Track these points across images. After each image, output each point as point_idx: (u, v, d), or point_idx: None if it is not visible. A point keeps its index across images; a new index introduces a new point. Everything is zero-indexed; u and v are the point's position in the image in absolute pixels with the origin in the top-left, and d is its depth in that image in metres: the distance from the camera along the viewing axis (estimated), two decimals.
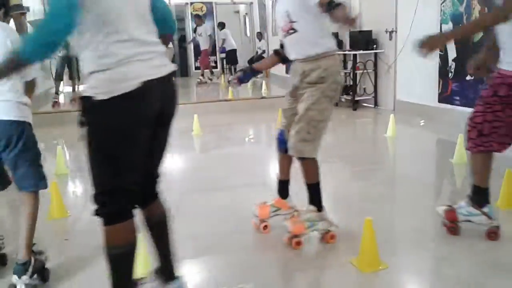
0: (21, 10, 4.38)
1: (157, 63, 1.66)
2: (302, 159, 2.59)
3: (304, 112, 2.46)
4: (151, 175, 1.87)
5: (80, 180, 4.30)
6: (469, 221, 2.57)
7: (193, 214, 3.22)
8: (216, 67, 14.52)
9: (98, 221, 1.68)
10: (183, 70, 14.39)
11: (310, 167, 2.65)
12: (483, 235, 2.56)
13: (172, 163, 5.01)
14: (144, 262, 2.20)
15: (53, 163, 4.35)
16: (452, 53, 5.67)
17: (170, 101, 1.77)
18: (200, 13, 13.91)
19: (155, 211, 1.91)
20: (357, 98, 7.40)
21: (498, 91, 2.36)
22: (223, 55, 14.92)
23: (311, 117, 2.45)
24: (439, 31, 5.77)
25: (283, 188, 2.90)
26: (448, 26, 5.66)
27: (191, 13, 14.29)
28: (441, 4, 5.78)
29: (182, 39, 14.63)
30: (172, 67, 1.74)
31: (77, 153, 5.48)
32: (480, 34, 5.14)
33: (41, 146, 2.48)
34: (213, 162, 4.97)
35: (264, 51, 13.01)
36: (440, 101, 5.92)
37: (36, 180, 2.25)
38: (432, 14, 5.86)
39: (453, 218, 2.60)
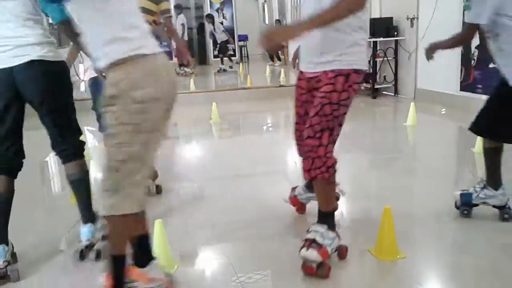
0: None
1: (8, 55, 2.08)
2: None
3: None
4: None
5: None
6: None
7: (212, 201, 3.26)
8: (234, 55, 14.48)
9: None
10: (202, 59, 14.39)
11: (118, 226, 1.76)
12: (497, 221, 2.56)
13: (191, 151, 5.05)
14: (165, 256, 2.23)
15: None
16: (475, 40, 5.54)
17: (27, 87, 2.14)
18: (219, 1, 13.84)
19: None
20: (377, 86, 7.32)
21: None
22: (241, 43, 14.88)
23: (109, 155, 1.70)
24: (462, 18, 5.66)
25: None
26: None
27: (210, 1, 14.23)
28: None
29: (201, 27, 14.59)
30: (26, 58, 2.10)
31: (99, 141, 5.56)
32: None
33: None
34: (231, 150, 4.99)
35: None
36: (462, 89, 5.82)
37: None
38: (455, 0, 5.74)
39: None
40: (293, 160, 4.48)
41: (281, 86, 8.17)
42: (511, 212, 2.64)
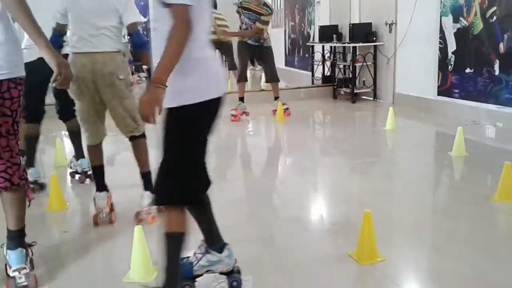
0: None
1: None
2: None
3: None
4: None
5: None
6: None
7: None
8: None
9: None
10: None
11: None
12: (478, 226, 2.58)
13: None
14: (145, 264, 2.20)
15: (52, 155, 4.36)
16: (451, 45, 5.66)
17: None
18: None
19: None
20: (356, 91, 7.39)
21: None
22: None
23: None
24: (439, 23, 5.76)
25: None
26: (448, 19, 5.64)
27: None
28: None
29: None
30: None
31: None
32: (480, 26, 5.14)
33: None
34: (210, 154, 4.97)
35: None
36: (439, 94, 5.91)
37: None
38: (432, 6, 5.84)
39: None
40: (272, 164, 4.49)
41: (262, 90, 8.18)
42: (240, 278, 2.06)
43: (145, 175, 2.87)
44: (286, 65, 11.21)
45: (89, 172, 3.65)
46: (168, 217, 1.81)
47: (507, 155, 4.10)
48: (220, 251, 2.02)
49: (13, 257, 2.11)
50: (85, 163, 3.73)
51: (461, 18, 5.43)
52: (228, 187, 3.65)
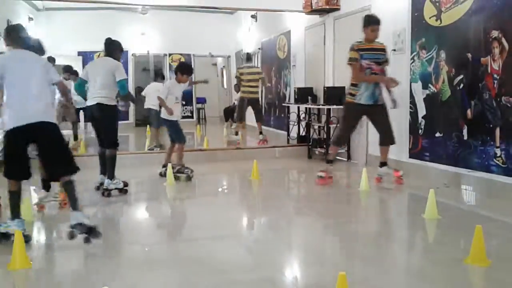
0: None
1: None
2: None
3: None
4: None
5: (46, 229, 4.14)
6: None
7: (162, 266, 3.12)
8: (192, 116, 14.67)
9: (60, 273, 1.60)
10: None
11: None
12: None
13: (143, 212, 4.91)
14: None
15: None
16: (421, 110, 5.87)
17: None
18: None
19: None
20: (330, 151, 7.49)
21: None
22: (200, 105, 15.10)
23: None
24: (409, 89, 6.00)
25: None
26: (417, 85, 5.89)
27: (170, 64, 14.52)
28: (410, 64, 6.04)
29: None
30: None
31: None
32: (448, 93, 5.37)
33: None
34: (185, 212, 4.88)
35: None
36: (411, 156, 6.05)
37: None
38: (402, 73, 6.11)
39: None
40: (246, 223, 4.43)
41: (237, 148, 8.23)
42: None
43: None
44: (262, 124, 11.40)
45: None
46: None
47: (478, 218, 4.16)
48: None
49: None
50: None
51: (429, 85, 5.68)
52: (199, 245, 3.56)
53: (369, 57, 5.27)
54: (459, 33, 5.24)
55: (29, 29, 11.45)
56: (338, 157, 7.67)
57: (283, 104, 9.68)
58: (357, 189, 5.35)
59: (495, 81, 4.76)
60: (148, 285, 2.82)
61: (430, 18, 5.63)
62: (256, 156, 6.41)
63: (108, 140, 5.14)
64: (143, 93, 8.73)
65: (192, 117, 14.68)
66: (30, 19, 11.67)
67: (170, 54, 14.59)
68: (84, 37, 12.64)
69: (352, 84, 5.42)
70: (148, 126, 9.40)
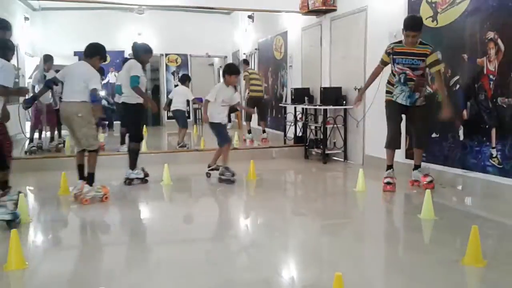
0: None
1: None
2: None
3: None
4: None
5: (42, 230, 4.13)
6: None
7: (161, 266, 3.12)
8: (189, 117, 14.63)
9: (56, 273, 1.60)
10: (156, 120, 14.41)
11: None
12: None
13: (139, 213, 4.90)
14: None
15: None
16: None
17: None
18: (175, 64, 14.22)
19: None
20: (327, 152, 7.51)
21: None
22: (196, 105, 15.07)
23: None
24: None
25: None
26: None
27: (166, 64, 14.50)
28: None
29: (156, 89, 14.77)
30: None
31: (40, 202, 5.31)
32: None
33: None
34: (181, 213, 4.88)
35: (238, 103, 13.19)
36: (407, 156, 6.06)
37: None
38: None
39: None
40: (243, 224, 4.43)
41: (234, 149, 8.22)
42: None
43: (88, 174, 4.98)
44: (259, 124, 11.38)
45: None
46: None
47: (474, 219, 4.18)
48: None
49: None
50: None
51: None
52: (196, 248, 3.56)
53: (402, 61, 5.04)
54: (455, 34, 5.26)
55: (25, 28, 11.48)
56: (334, 157, 7.69)
57: (280, 105, 9.69)
58: (353, 190, 5.35)
59: (491, 82, 4.78)
60: (145, 286, 2.81)
61: (426, 19, 5.64)
62: (253, 157, 6.41)
63: (130, 134, 5.91)
64: (170, 96, 9.24)
65: (188, 117, 14.63)
66: (26, 18, 11.64)
67: (166, 54, 14.57)
68: (80, 37, 12.54)
69: (389, 82, 5.26)
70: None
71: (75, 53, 13.12)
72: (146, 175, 5.86)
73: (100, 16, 12.63)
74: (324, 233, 4.06)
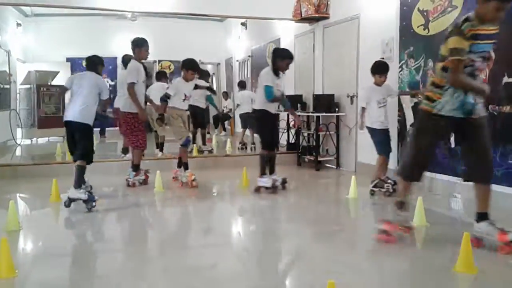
0: None
1: None
2: None
3: None
4: None
5: (32, 238, 4.09)
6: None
7: (155, 273, 3.10)
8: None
9: (46, 281, 1.58)
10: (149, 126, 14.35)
11: None
12: None
13: (131, 220, 4.86)
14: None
15: (4, 218, 4.14)
16: (409, 118, 5.92)
17: None
18: (168, 71, 14.20)
19: None
20: (320, 159, 7.52)
21: None
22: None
23: None
24: (397, 97, 6.05)
25: None
26: None
27: (159, 71, 14.48)
28: (398, 72, 6.09)
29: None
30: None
31: (31, 209, 5.26)
32: None
33: None
34: (174, 220, 4.85)
35: (230, 110, 13.23)
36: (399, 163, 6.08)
37: None
38: (391, 82, 6.15)
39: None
40: (236, 231, 4.41)
41: (226, 155, 8.21)
42: None
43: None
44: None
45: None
46: None
47: (466, 226, 4.19)
48: None
49: None
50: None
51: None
52: (189, 253, 3.54)
53: (479, 49, 3.24)
54: None
55: (17, 34, 11.43)
56: (327, 164, 7.69)
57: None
58: (345, 197, 5.36)
59: None
60: None
61: (418, 27, 5.70)
62: (246, 163, 6.40)
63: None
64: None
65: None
66: (19, 25, 11.60)
67: (159, 61, 14.57)
68: (73, 43, 12.59)
69: (434, 84, 3.48)
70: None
71: (67, 59, 13.11)
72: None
73: (92, 22, 12.62)
74: (317, 240, 4.06)
